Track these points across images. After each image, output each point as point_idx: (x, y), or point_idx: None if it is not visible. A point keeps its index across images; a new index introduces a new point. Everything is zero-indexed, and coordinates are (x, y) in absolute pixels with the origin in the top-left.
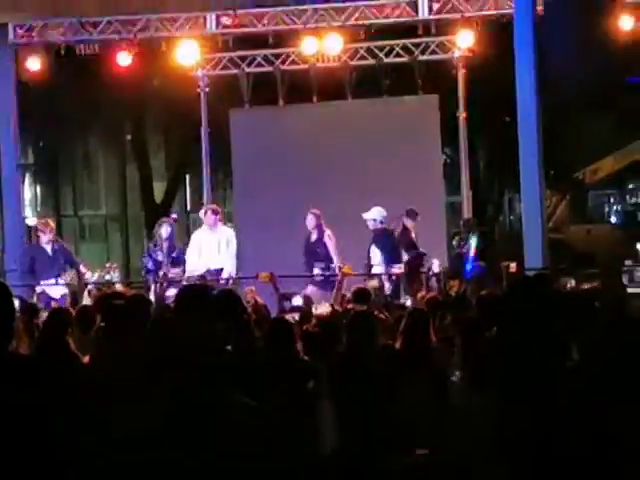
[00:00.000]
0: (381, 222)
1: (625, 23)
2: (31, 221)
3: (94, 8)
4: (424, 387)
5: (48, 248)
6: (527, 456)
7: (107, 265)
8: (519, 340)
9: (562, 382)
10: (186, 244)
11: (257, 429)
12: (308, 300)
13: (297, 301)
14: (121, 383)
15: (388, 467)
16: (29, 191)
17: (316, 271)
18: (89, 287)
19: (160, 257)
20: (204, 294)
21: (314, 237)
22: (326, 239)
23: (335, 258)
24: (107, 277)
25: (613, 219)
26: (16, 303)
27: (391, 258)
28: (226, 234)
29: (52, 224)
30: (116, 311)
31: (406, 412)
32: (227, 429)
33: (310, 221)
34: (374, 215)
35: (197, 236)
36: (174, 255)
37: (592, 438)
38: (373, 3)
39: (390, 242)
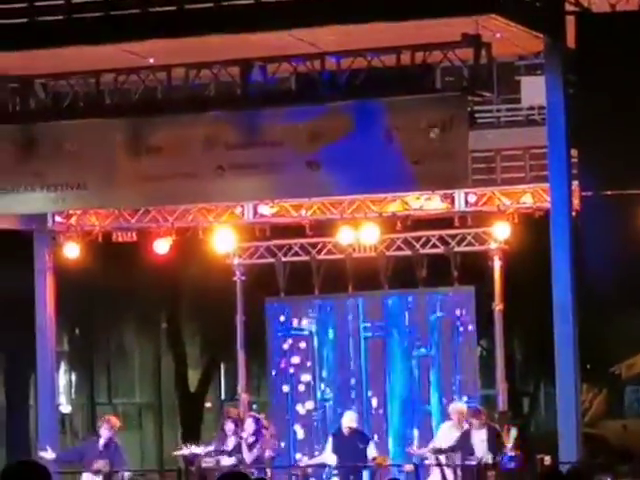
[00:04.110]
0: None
1: None
2: (65, 408)
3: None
4: None
5: (101, 443)
6: None
7: None
8: None
9: None
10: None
11: None
12: None
13: None
14: None
15: None
16: (64, 378)
17: None
18: None
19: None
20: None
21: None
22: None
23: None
24: None
25: None
26: None
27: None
28: None
29: (114, 421)
30: None
31: None
32: None
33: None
34: None
35: None
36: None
37: None
38: (410, 194)
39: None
